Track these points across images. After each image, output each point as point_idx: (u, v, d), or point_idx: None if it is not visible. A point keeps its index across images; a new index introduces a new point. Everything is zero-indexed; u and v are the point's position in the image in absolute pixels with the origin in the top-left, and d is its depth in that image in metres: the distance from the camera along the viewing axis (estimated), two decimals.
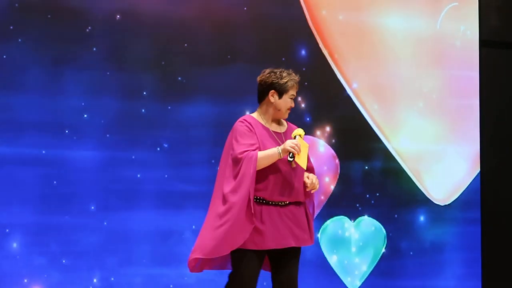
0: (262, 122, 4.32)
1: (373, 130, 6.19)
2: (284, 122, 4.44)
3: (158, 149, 5.53)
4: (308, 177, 4.27)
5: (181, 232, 5.48)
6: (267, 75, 4.32)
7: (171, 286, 5.44)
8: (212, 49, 5.70)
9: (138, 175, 5.43)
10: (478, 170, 6.48)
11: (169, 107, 5.57)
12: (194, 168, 5.57)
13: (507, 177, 6.66)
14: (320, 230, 6.03)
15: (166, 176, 5.51)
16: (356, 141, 6.13)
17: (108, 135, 5.40)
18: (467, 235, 6.42)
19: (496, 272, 6.55)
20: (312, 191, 4.28)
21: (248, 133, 4.22)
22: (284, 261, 4.28)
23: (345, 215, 6.12)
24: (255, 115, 4.35)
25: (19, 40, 5.23)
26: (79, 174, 5.30)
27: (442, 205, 6.38)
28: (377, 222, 6.21)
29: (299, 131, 4.28)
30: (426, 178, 6.34)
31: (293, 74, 4.36)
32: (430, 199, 6.35)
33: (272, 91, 4.30)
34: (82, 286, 5.26)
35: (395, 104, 6.25)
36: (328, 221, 6.07)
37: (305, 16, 5.97)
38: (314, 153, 5.94)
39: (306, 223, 4.31)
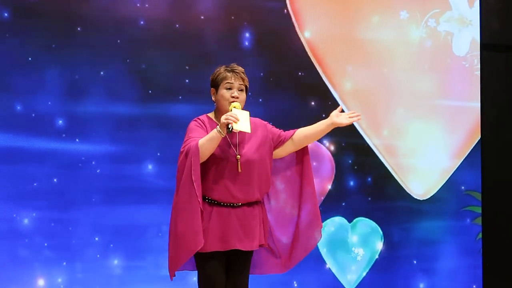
0: (216, 121, 4.15)
1: (354, 126, 6.24)
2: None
3: (145, 145, 5.57)
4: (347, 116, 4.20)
5: (158, 226, 5.53)
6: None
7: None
8: (210, 53, 5.73)
9: (122, 172, 5.46)
10: (457, 165, 6.53)
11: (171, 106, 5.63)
12: None
13: (508, 179, 6.66)
14: None
15: (150, 172, 5.55)
16: (338, 138, 6.18)
17: (91, 131, 5.45)
18: (449, 228, 6.49)
19: (497, 273, 6.56)
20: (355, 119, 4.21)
21: (198, 129, 4.09)
22: (235, 261, 4.14)
23: (342, 216, 6.19)
24: (210, 114, 4.21)
25: (20, 38, 5.28)
26: (66, 171, 5.33)
27: (421, 199, 6.45)
28: (374, 223, 6.26)
29: (234, 104, 4.06)
30: (406, 173, 6.41)
31: (232, 65, 4.17)
32: (410, 193, 6.41)
33: (212, 89, 4.17)
34: (65, 276, 5.31)
35: (377, 103, 6.33)
36: (325, 222, 6.11)
37: (294, 25, 6.04)
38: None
39: (255, 227, 4.12)
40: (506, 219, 6.64)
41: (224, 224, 4.05)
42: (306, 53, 6.08)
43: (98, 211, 5.41)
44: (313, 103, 6.09)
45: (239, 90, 4.13)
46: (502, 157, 6.69)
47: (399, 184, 6.37)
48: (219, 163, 4.04)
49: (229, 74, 4.12)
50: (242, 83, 4.14)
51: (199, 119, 4.17)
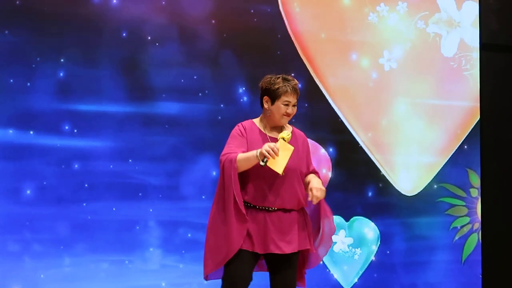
0: (260, 127, 4.22)
1: (343, 123, 6.33)
2: (289, 128, 4.26)
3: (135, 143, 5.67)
4: (311, 189, 4.10)
5: (145, 221, 5.64)
6: (264, 80, 4.21)
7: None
8: (211, 56, 5.87)
9: (111, 167, 5.57)
10: (444, 162, 6.60)
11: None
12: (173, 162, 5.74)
13: (508, 179, 6.61)
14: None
15: (138, 169, 5.65)
16: (330, 136, 6.27)
17: (75, 130, 5.54)
18: (439, 223, 6.55)
19: (497, 273, 6.52)
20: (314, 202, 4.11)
21: (237, 137, 4.15)
22: (279, 265, 4.17)
23: (338, 215, 6.24)
24: (256, 120, 4.27)
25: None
26: (58, 168, 5.45)
27: (409, 195, 6.51)
28: (371, 222, 6.32)
29: (284, 133, 4.10)
30: (395, 169, 6.48)
31: (290, 79, 4.18)
32: (398, 189, 6.48)
33: (266, 97, 4.18)
34: (55, 270, 5.42)
35: (367, 102, 6.41)
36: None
37: (285, 27, 6.16)
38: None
39: (292, 231, 4.15)
40: (506, 219, 6.59)
41: (259, 227, 4.12)
42: (298, 54, 6.18)
43: (88, 206, 5.52)
44: (306, 104, 6.17)
45: (292, 106, 4.20)
46: (502, 157, 6.65)
47: (388, 180, 6.43)
48: (257, 168, 4.09)
49: (289, 90, 4.16)
50: (296, 100, 4.21)
51: (241, 125, 4.23)
